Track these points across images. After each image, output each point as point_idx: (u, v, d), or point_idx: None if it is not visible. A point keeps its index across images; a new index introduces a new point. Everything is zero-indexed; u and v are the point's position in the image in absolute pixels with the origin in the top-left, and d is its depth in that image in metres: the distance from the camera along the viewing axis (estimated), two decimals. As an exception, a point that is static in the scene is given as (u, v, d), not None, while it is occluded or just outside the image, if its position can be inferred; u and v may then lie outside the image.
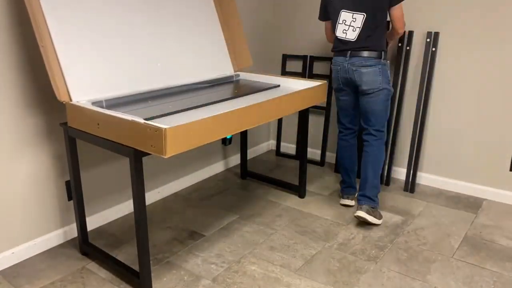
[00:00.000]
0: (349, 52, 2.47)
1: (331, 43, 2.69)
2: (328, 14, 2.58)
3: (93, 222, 2.48)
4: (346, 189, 2.78)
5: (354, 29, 2.43)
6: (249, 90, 2.51)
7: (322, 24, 3.33)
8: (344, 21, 2.45)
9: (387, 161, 3.11)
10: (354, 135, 2.73)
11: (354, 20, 2.42)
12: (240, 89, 2.54)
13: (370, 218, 2.47)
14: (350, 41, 2.46)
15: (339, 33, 2.49)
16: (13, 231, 2.15)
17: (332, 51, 2.61)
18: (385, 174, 3.12)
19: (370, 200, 2.53)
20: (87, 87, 2.02)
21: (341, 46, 2.52)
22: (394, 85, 3.02)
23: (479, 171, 2.90)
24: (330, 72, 3.33)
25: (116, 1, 2.20)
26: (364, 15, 2.40)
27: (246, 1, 3.25)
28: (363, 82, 2.46)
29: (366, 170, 2.56)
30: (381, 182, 3.14)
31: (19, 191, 2.14)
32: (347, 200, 2.77)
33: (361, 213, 2.47)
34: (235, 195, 2.96)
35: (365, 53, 2.44)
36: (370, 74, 2.44)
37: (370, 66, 2.43)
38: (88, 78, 2.03)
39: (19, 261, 2.19)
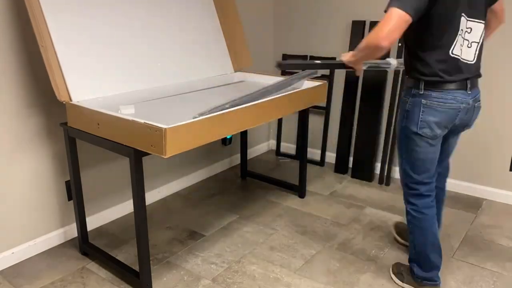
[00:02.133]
0: (469, 82, 1.73)
1: (387, 49, 1.60)
2: (435, 11, 1.62)
3: (93, 222, 2.48)
4: (437, 276, 1.94)
5: (469, 45, 1.71)
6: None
7: (323, 24, 3.34)
8: (462, 31, 1.67)
9: (387, 161, 3.11)
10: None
11: (468, 30, 1.70)
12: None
13: None
14: (469, 63, 1.72)
15: (457, 51, 1.68)
16: (13, 231, 2.15)
17: (431, 81, 1.71)
18: (385, 174, 3.12)
19: None
20: (87, 87, 2.02)
21: (458, 73, 1.70)
22: (393, 85, 3.02)
23: (479, 171, 2.90)
24: (332, 72, 3.33)
25: (117, 1, 2.20)
26: (483, 24, 1.71)
27: (246, 1, 3.25)
28: (473, 120, 1.85)
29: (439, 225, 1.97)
30: (381, 183, 3.14)
31: (19, 191, 2.14)
32: None
33: None
34: (235, 195, 2.96)
35: (478, 81, 1.79)
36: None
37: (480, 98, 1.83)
38: (88, 78, 2.03)
39: (19, 261, 2.19)
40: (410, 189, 1.90)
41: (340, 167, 3.35)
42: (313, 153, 3.59)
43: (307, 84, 2.58)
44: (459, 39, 1.68)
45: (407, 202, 1.94)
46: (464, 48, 1.70)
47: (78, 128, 1.96)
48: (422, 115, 1.75)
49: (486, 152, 2.84)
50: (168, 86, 2.38)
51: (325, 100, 3.05)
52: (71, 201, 2.35)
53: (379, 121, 3.12)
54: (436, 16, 1.63)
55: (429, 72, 1.71)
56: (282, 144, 3.77)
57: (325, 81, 2.62)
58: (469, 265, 2.19)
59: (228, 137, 3.33)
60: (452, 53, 1.68)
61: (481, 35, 1.73)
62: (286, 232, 2.49)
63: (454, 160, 2.95)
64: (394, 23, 1.54)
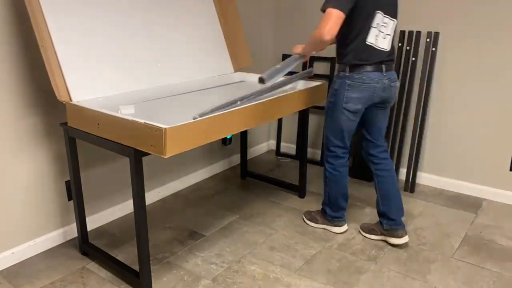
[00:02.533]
0: (384, 65, 2.14)
1: (329, 42, 2.02)
2: (356, 9, 2.02)
3: (93, 222, 2.48)
4: (343, 214, 2.45)
5: (384, 37, 2.12)
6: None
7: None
8: (377, 25, 2.09)
9: (387, 161, 3.11)
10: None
11: (384, 25, 2.11)
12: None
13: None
14: (383, 51, 2.13)
15: (371, 39, 2.10)
16: (13, 231, 2.15)
17: (355, 62, 2.12)
18: (385, 174, 3.12)
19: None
20: (87, 87, 2.02)
21: (374, 57, 2.11)
22: (394, 85, 3.02)
23: (479, 171, 2.90)
24: (332, 72, 3.32)
25: (116, 1, 2.19)
26: (394, 21, 2.15)
27: (246, 1, 3.25)
28: (393, 98, 2.26)
29: (395, 190, 2.33)
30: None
31: (19, 191, 2.14)
32: (346, 225, 2.47)
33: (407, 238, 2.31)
34: (235, 195, 2.96)
35: (393, 66, 2.22)
36: (397, 88, 2.28)
37: (397, 80, 2.26)
38: (88, 78, 2.03)
39: (19, 261, 2.19)
40: (330, 151, 2.33)
41: (340, 167, 3.34)
42: (313, 153, 3.59)
43: (307, 84, 2.58)
44: (373, 31, 2.08)
45: (326, 162, 2.37)
46: (379, 38, 2.10)
47: (78, 128, 1.96)
48: (347, 93, 2.16)
49: (486, 152, 2.84)
50: (168, 86, 2.38)
51: (325, 100, 3.05)
52: (71, 201, 2.35)
53: (379, 121, 3.11)
54: (355, 12, 2.02)
55: (351, 58, 2.12)
56: (282, 144, 3.77)
57: (325, 81, 2.62)
58: (469, 265, 2.19)
59: (228, 137, 3.33)
60: (367, 42, 2.09)
61: (392, 29, 2.14)
62: (286, 232, 2.49)
63: (454, 160, 2.96)
64: (333, 21, 1.94)
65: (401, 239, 2.29)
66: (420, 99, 2.94)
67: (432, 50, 2.86)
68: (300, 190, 2.91)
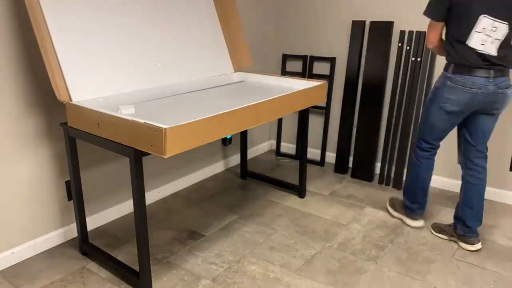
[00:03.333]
0: (493, 71, 2.06)
1: (434, 49, 2.25)
2: (453, 15, 2.06)
3: (93, 222, 2.48)
4: (420, 209, 2.49)
5: (492, 41, 2.02)
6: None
7: (323, 24, 3.34)
8: (484, 29, 2.01)
9: (387, 161, 3.11)
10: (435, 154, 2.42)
11: (494, 29, 2.01)
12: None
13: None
14: (489, 55, 2.04)
15: (475, 44, 2.03)
16: (13, 231, 2.15)
17: (457, 66, 2.10)
18: (385, 174, 3.12)
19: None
20: (87, 87, 2.02)
21: (478, 61, 2.05)
22: (393, 85, 3.02)
23: (479, 171, 2.89)
24: (332, 72, 3.33)
25: (116, 1, 2.20)
26: (506, 24, 2.01)
27: (246, 1, 3.25)
28: (504, 105, 2.17)
29: (481, 200, 2.29)
30: (381, 183, 3.14)
31: (19, 191, 2.14)
32: (421, 221, 2.52)
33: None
34: (235, 195, 2.96)
35: (506, 72, 2.10)
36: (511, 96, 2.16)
37: (510, 86, 2.14)
38: (88, 78, 2.03)
39: (19, 261, 2.19)
40: (417, 140, 2.39)
41: (340, 167, 3.35)
42: (313, 153, 3.59)
43: (307, 84, 2.58)
44: (477, 35, 2.02)
45: (414, 149, 2.42)
46: (487, 44, 2.02)
47: (78, 128, 1.96)
48: (445, 93, 2.15)
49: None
50: (168, 86, 2.38)
51: (325, 100, 3.05)
52: (71, 201, 2.35)
53: (379, 121, 3.12)
54: (456, 14, 2.05)
55: (455, 58, 2.10)
56: (282, 144, 3.77)
57: (325, 81, 2.62)
58: (469, 265, 2.19)
59: (228, 137, 3.33)
60: (470, 46, 2.04)
61: (505, 34, 2.01)
62: (286, 232, 2.49)
63: (454, 160, 2.95)
64: (430, 30, 2.18)
65: (474, 246, 2.29)
66: (421, 99, 2.94)
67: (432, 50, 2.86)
68: (300, 190, 2.91)
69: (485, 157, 2.29)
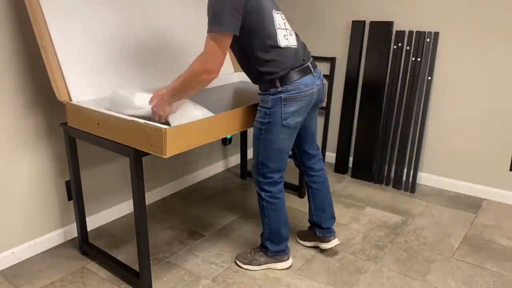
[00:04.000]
0: (310, 64, 1.92)
1: (217, 75, 1.74)
2: (251, 19, 1.75)
3: (93, 222, 2.48)
4: (286, 246, 2.18)
5: (290, 33, 1.89)
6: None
7: (323, 24, 3.34)
8: (279, 24, 1.84)
9: (387, 161, 3.11)
10: None
11: (284, 21, 1.88)
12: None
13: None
14: (297, 49, 1.89)
15: (283, 41, 1.82)
16: (13, 231, 2.15)
17: (283, 77, 1.83)
18: (385, 174, 3.12)
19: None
20: (87, 87, 2.02)
21: (296, 59, 1.86)
22: (393, 85, 3.02)
23: (479, 171, 2.89)
24: (332, 72, 3.33)
25: (116, 2, 2.19)
26: (281, 13, 1.91)
27: (246, 1, 3.24)
28: (324, 98, 2.07)
29: (328, 199, 2.25)
30: (381, 183, 3.14)
31: (19, 191, 2.14)
32: (290, 259, 2.19)
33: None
34: (235, 195, 2.96)
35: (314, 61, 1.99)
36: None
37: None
38: (88, 78, 2.03)
39: (19, 261, 2.19)
40: (266, 178, 2.02)
41: (340, 167, 3.35)
42: (313, 153, 3.59)
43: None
44: (279, 31, 1.81)
45: (262, 190, 2.05)
46: (289, 37, 1.86)
47: (78, 128, 1.96)
48: (284, 108, 1.85)
49: (486, 152, 2.84)
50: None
51: (325, 100, 3.05)
52: (71, 201, 2.36)
53: (379, 121, 3.11)
54: (249, 21, 1.73)
55: (276, 69, 1.81)
56: (282, 144, 3.76)
57: (326, 81, 2.61)
58: (469, 265, 2.19)
59: (228, 137, 3.33)
60: (281, 44, 1.81)
61: (285, 22, 1.88)
62: (286, 232, 2.49)
63: (454, 160, 2.96)
64: (224, 49, 1.69)
65: (332, 242, 2.23)
66: (420, 99, 2.94)
67: (432, 50, 2.86)
68: (300, 190, 2.91)
69: (321, 158, 2.21)
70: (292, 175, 3.27)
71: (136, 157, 1.75)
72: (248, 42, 1.79)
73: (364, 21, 3.10)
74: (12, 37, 1.98)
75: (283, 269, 2.15)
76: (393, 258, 2.24)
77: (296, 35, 1.94)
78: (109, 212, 2.57)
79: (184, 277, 2.09)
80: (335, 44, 3.29)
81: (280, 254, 2.14)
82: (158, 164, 2.81)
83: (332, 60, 3.31)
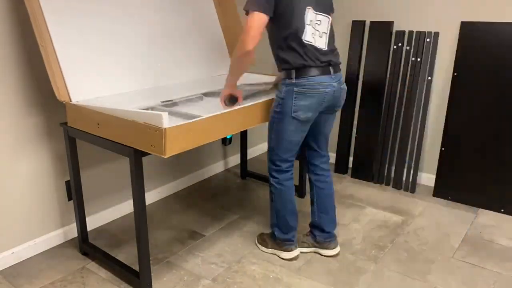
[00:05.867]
0: (331, 67, 1.98)
1: (250, 49, 1.85)
2: (280, 7, 1.86)
3: (93, 222, 2.48)
4: (293, 236, 2.24)
5: (320, 35, 1.96)
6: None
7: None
8: (311, 22, 1.92)
9: (387, 161, 3.11)
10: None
11: (318, 23, 1.95)
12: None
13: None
14: (322, 50, 1.96)
15: (308, 37, 1.91)
16: (13, 231, 2.15)
17: (299, 69, 1.92)
18: (385, 174, 3.12)
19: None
20: (87, 87, 2.02)
21: (318, 58, 1.93)
22: (393, 85, 3.02)
23: (479, 171, 2.89)
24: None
25: (116, 2, 2.19)
26: (329, 18, 1.98)
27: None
28: (342, 101, 2.11)
29: (332, 203, 2.24)
30: (381, 183, 3.14)
31: (19, 191, 2.14)
32: (297, 250, 2.24)
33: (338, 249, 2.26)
34: (235, 195, 2.96)
35: (339, 67, 2.05)
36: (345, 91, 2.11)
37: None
38: (88, 78, 2.03)
39: (19, 261, 2.19)
40: (275, 165, 2.13)
41: (340, 167, 3.35)
42: (313, 153, 3.58)
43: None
44: (307, 27, 1.90)
45: (271, 176, 2.18)
46: (316, 37, 1.93)
47: (78, 128, 1.96)
48: (295, 101, 1.94)
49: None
50: (168, 86, 2.38)
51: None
52: (71, 201, 2.35)
53: (379, 121, 3.11)
54: (281, 10, 1.86)
55: (294, 60, 1.92)
56: (282, 144, 3.76)
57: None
58: (469, 265, 2.19)
59: (228, 137, 3.33)
60: (305, 40, 1.90)
61: (328, 27, 1.97)
62: (286, 232, 2.48)
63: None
64: (255, 26, 1.82)
65: (334, 250, 2.24)
66: (420, 99, 2.94)
67: (432, 50, 2.86)
68: (300, 190, 2.91)
69: (328, 160, 2.25)
70: (292, 175, 3.27)
71: (136, 157, 1.75)
72: (276, 26, 1.92)
73: (364, 21, 3.10)
74: (12, 37, 1.98)
75: (287, 258, 2.20)
76: (393, 258, 2.24)
77: (331, 40, 2.00)
78: (109, 212, 2.57)
79: (184, 277, 2.09)
80: (335, 44, 3.28)
81: (286, 243, 2.20)
82: (158, 164, 2.81)
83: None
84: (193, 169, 3.11)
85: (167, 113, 1.62)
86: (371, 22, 3.06)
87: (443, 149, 2.88)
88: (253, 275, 2.10)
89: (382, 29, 3.01)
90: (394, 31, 3.00)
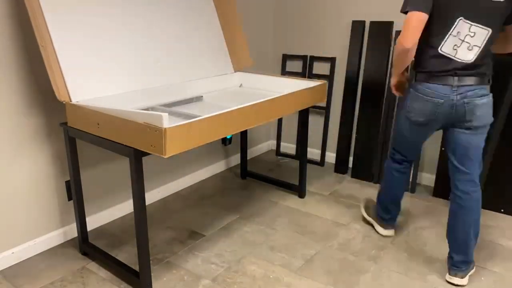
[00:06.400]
0: (457, 78, 1.88)
1: (409, 47, 1.83)
2: (435, 11, 1.83)
3: (93, 222, 2.48)
4: (391, 220, 2.41)
5: (470, 47, 1.86)
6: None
7: (323, 24, 3.34)
8: (458, 34, 1.85)
9: (387, 161, 3.11)
10: (410, 167, 2.29)
11: (472, 35, 1.84)
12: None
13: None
14: (461, 62, 1.86)
15: (446, 48, 1.87)
16: (13, 231, 2.15)
17: (420, 73, 1.95)
18: (385, 174, 3.12)
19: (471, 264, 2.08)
20: (87, 87, 2.02)
21: (443, 68, 1.88)
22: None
23: (479, 171, 2.89)
24: (332, 72, 3.33)
25: (116, 1, 2.19)
26: (489, 31, 1.83)
27: (246, 1, 3.25)
28: (477, 117, 1.90)
29: (468, 231, 2.01)
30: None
31: (19, 191, 2.14)
32: (391, 231, 2.44)
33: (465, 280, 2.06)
34: (235, 195, 2.96)
35: (478, 80, 1.88)
36: (485, 106, 1.90)
37: (484, 96, 1.89)
38: (88, 78, 2.03)
39: (19, 261, 2.19)
40: (391, 152, 2.29)
41: (340, 167, 3.35)
42: (313, 153, 3.59)
43: (307, 84, 2.58)
44: (450, 38, 1.86)
45: (387, 158, 2.34)
46: (459, 50, 1.86)
47: (78, 128, 1.96)
48: (410, 101, 2.02)
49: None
50: (168, 86, 2.38)
51: (325, 100, 3.05)
52: (71, 201, 2.35)
53: (379, 121, 3.11)
54: (432, 11, 1.83)
55: (422, 62, 1.95)
56: (282, 144, 3.77)
57: (325, 81, 2.62)
58: (469, 265, 2.19)
59: (228, 137, 3.33)
60: (441, 51, 1.88)
61: (484, 40, 1.84)
62: (286, 232, 2.49)
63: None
64: (413, 25, 1.80)
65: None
66: (420, 99, 2.94)
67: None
68: (300, 190, 2.91)
69: (472, 181, 1.99)
70: (292, 175, 3.27)
71: (136, 157, 1.75)
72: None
73: (364, 21, 3.10)
74: (12, 37, 1.98)
75: (383, 235, 2.44)
76: (393, 258, 2.24)
77: (481, 56, 1.86)
78: (109, 212, 2.57)
79: (184, 277, 2.09)
80: (335, 44, 3.29)
81: (385, 221, 2.42)
82: (158, 164, 2.81)
83: (332, 60, 3.31)
84: (193, 169, 3.11)
85: (167, 113, 1.62)
86: (371, 22, 3.06)
87: (443, 149, 2.88)
88: (253, 275, 2.10)
89: (382, 29, 3.02)
90: (394, 31, 3.00)
